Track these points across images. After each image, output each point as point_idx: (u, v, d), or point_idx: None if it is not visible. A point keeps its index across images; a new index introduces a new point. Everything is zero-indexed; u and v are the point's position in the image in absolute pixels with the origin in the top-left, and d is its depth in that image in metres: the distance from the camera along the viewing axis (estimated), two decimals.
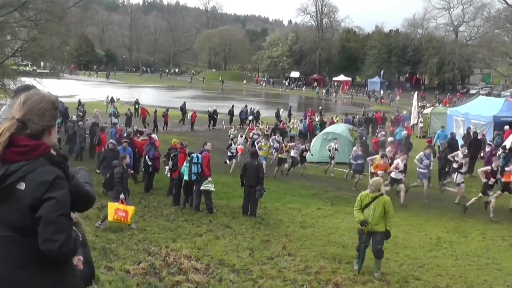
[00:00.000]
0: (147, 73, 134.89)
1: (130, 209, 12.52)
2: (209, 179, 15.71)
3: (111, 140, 18.00)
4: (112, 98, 46.24)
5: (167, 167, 17.81)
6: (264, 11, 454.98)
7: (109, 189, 14.49)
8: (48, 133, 2.97)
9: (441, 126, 30.26)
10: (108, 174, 14.60)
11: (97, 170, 17.73)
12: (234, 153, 24.75)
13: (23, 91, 3.06)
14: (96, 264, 8.56)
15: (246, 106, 46.75)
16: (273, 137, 27.44)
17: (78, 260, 3.12)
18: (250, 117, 43.04)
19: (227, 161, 24.96)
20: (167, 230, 12.83)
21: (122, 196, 13.04)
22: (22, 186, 2.79)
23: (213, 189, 15.89)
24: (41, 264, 2.80)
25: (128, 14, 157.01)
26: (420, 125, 39.29)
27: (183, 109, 42.67)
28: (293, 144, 25.02)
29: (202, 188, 15.57)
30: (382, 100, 77.07)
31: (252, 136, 29.27)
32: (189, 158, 15.79)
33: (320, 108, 49.78)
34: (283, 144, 24.31)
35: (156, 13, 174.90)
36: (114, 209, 12.32)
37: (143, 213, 14.80)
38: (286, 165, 23.85)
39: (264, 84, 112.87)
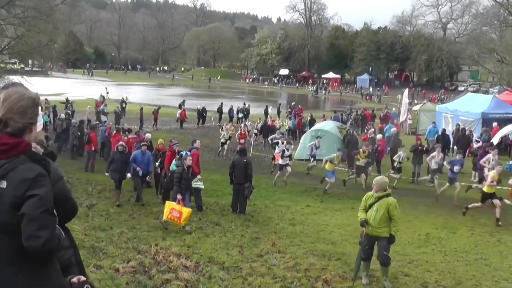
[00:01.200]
0: (131, 70, 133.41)
1: (186, 211, 12.57)
2: (199, 176, 15.76)
3: (121, 142, 17.32)
4: (103, 96, 45.80)
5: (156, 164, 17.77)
6: (253, 8, 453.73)
7: (170, 188, 14.56)
8: (29, 130, 2.95)
9: (432, 122, 30.32)
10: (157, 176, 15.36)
11: (106, 173, 17.12)
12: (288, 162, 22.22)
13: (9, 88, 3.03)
14: (86, 262, 8.56)
15: (244, 104, 46.92)
16: (312, 143, 24.77)
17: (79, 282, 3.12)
18: (240, 115, 42.98)
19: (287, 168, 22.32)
20: (156, 228, 12.80)
21: (179, 196, 13.20)
22: (3, 184, 2.77)
23: (202, 186, 15.92)
24: (25, 262, 2.80)
25: (117, 12, 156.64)
26: (409, 122, 39.45)
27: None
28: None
29: (192, 186, 15.58)
30: (368, 98, 77.46)
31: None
32: (178, 156, 15.77)
33: (293, 103, 49.80)
34: (361, 150, 21.26)
35: (144, 10, 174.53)
36: (170, 209, 12.57)
37: (132, 212, 14.77)
38: (364, 175, 21.16)
39: (267, 83, 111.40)
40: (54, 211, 2.86)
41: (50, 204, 2.81)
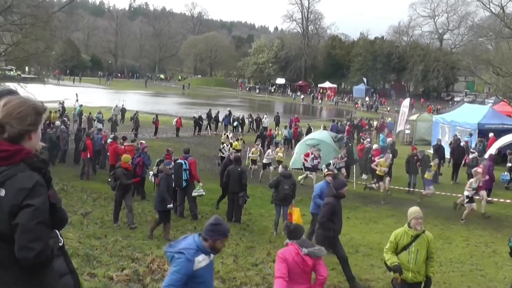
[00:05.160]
0: (125, 78, 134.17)
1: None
2: (200, 184, 15.98)
3: (169, 161, 15.05)
4: (118, 107, 45.06)
5: (151, 173, 17.77)
6: (250, 17, 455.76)
7: (290, 201, 14.62)
8: (28, 138, 2.92)
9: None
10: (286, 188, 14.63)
11: (168, 206, 13.12)
12: None
13: (6, 95, 3.02)
14: (79, 270, 8.51)
15: (250, 114, 47.01)
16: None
17: None
18: (235, 123, 42.85)
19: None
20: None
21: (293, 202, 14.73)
22: (2, 192, 2.76)
23: (204, 193, 16.24)
24: (23, 269, 2.78)
25: (114, 20, 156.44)
26: (407, 131, 39.49)
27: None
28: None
29: (194, 194, 15.71)
30: (356, 105, 77.85)
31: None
32: (173, 164, 15.79)
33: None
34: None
35: (141, 18, 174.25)
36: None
37: (127, 220, 14.71)
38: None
39: (259, 91, 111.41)
40: (49, 222, 2.84)
41: (45, 215, 2.79)
